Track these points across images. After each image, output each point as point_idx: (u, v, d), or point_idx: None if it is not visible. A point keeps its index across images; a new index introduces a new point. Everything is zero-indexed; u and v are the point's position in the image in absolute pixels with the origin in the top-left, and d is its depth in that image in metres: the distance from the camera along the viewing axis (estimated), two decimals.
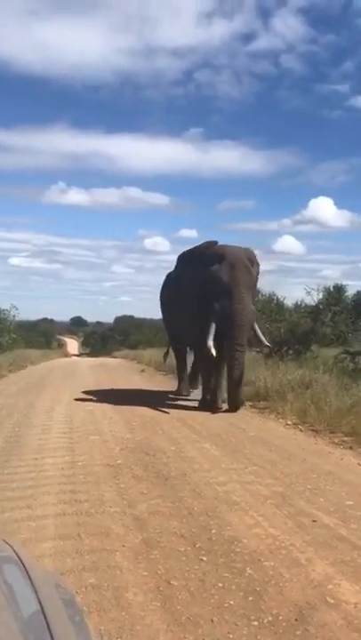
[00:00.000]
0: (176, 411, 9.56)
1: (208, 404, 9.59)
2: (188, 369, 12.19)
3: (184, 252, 10.86)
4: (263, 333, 10.44)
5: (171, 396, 11.49)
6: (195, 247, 10.30)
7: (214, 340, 9.18)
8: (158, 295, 12.68)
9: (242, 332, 9.04)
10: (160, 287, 12.58)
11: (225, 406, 9.40)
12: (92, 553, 3.53)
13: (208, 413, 9.46)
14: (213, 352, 8.92)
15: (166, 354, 13.98)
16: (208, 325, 9.05)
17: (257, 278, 9.95)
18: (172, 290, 11.15)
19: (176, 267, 11.33)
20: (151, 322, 51.23)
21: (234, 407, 9.24)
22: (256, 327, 9.78)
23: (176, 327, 11.45)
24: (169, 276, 11.99)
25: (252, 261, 9.73)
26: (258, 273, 9.98)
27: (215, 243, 9.86)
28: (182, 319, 10.40)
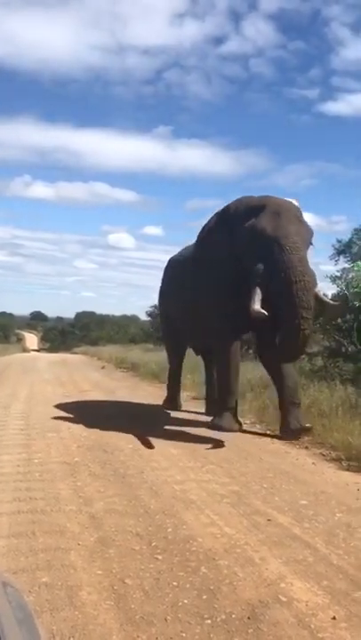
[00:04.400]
0: (136, 408, 9.55)
1: (230, 423, 7.15)
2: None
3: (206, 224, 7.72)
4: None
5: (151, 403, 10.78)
6: (221, 209, 7.47)
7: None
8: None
9: (306, 290, 6.17)
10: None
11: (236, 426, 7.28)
12: (47, 551, 3.49)
13: (167, 409, 9.47)
14: (263, 312, 6.24)
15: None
16: (251, 293, 6.37)
17: (312, 233, 6.89)
18: (180, 274, 8.43)
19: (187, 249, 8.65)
20: (113, 318, 51.06)
21: (295, 433, 6.91)
22: (320, 292, 6.72)
23: (183, 324, 8.66)
24: (177, 261, 8.99)
25: (301, 214, 6.94)
26: (311, 234, 6.89)
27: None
28: (194, 311, 7.75)
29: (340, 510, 4.44)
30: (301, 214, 6.88)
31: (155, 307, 30.92)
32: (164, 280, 9.55)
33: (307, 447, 6.65)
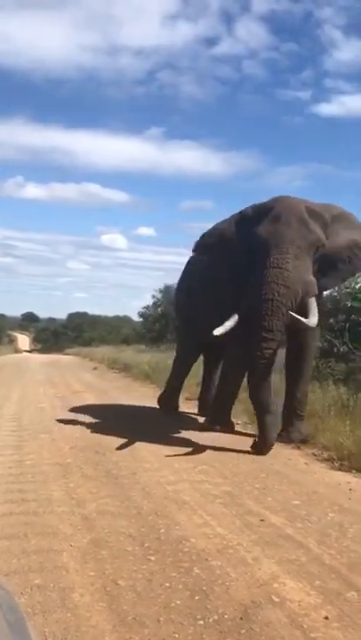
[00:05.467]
0: (128, 409, 9.54)
1: (225, 424, 7.41)
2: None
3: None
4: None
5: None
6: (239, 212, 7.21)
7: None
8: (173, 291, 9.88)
9: (272, 310, 6.07)
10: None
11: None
12: (39, 553, 3.48)
13: (158, 409, 9.47)
14: (216, 331, 6.28)
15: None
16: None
17: (320, 238, 6.44)
18: (208, 271, 7.78)
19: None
20: (105, 319, 51.00)
21: (294, 442, 6.83)
22: (310, 304, 6.30)
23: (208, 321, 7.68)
24: (199, 261, 8.30)
25: (317, 215, 6.51)
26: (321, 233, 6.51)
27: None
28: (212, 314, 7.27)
29: (332, 510, 4.46)
30: (320, 215, 6.54)
31: (147, 307, 30.97)
32: (187, 276, 8.99)
33: (299, 447, 6.67)
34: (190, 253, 8.91)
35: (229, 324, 6.33)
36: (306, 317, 6.21)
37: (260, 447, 6.31)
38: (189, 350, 9.05)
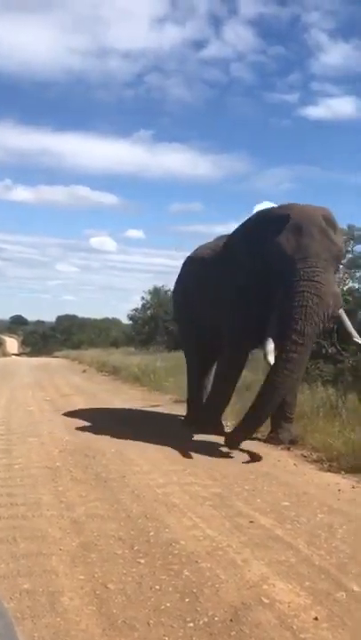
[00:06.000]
0: (118, 412, 9.52)
1: (216, 427, 7.40)
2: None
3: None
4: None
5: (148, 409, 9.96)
6: (247, 219, 7.24)
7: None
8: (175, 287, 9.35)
9: (305, 315, 5.95)
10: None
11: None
12: (28, 557, 3.46)
13: (150, 407, 9.46)
14: (270, 359, 6.05)
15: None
16: (270, 323, 6.25)
17: (341, 249, 6.88)
18: (210, 272, 7.73)
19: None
20: (94, 321, 50.87)
21: (283, 443, 6.85)
22: (343, 316, 6.64)
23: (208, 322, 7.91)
24: (207, 257, 8.06)
25: (332, 224, 6.54)
26: (342, 242, 7.00)
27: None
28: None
29: (321, 511, 4.47)
30: (333, 224, 6.53)
31: (136, 310, 30.95)
32: (188, 277, 8.62)
33: (288, 449, 6.69)
34: (181, 255, 8.97)
35: (271, 358, 6.08)
36: (348, 331, 6.60)
37: (234, 440, 6.48)
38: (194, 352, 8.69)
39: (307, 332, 5.99)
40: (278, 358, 6.00)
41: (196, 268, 8.27)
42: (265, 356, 6.16)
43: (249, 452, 6.44)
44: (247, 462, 6.04)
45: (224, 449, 6.55)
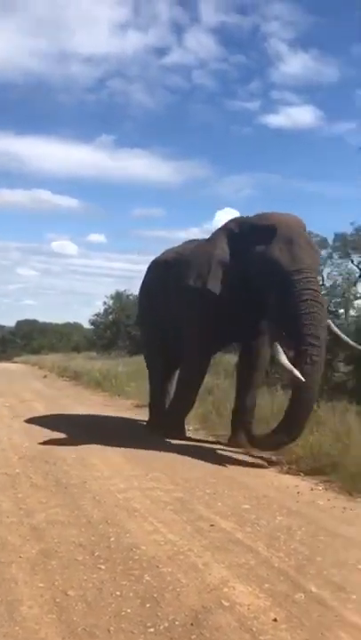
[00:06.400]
0: (79, 418, 9.44)
1: (180, 431, 7.62)
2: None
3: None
4: None
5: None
6: (226, 225, 7.28)
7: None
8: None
9: (314, 320, 6.07)
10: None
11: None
12: None
13: (112, 412, 9.42)
14: (283, 359, 6.05)
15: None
16: (273, 340, 6.37)
17: (319, 262, 7.21)
18: (172, 277, 7.76)
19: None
20: (55, 326, 50.30)
21: (241, 446, 6.99)
22: (333, 325, 6.86)
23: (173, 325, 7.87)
24: (172, 260, 8.10)
25: (308, 234, 6.98)
26: (319, 257, 7.32)
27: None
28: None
29: (280, 513, 4.53)
30: (308, 234, 6.78)
31: (98, 315, 30.79)
32: (152, 281, 8.60)
33: (248, 452, 6.75)
34: (143, 260, 8.97)
35: (283, 357, 6.06)
36: (337, 335, 6.77)
37: (268, 442, 6.37)
38: (157, 356, 8.66)
39: (320, 336, 6.09)
40: (302, 363, 5.95)
41: (162, 272, 8.26)
42: (276, 356, 6.14)
43: (210, 456, 6.48)
44: (209, 465, 6.08)
45: (185, 452, 6.58)
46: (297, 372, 5.87)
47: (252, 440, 6.63)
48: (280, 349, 6.09)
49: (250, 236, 6.71)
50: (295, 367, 5.89)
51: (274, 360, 6.51)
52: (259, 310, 6.71)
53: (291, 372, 5.94)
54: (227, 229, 7.15)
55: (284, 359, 6.04)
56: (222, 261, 6.88)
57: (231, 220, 7.26)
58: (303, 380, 5.81)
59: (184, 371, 7.67)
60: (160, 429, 7.69)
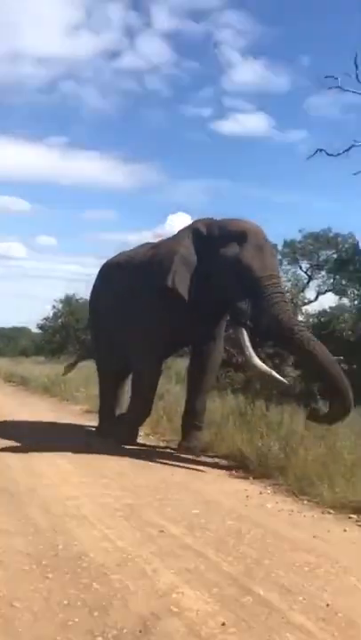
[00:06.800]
0: (27, 424, 9.28)
1: (132, 436, 7.62)
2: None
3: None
4: None
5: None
6: (190, 227, 7.23)
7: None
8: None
9: (291, 317, 6.62)
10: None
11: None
12: None
13: (60, 418, 9.29)
14: (257, 362, 6.40)
15: (71, 366, 10.62)
16: (238, 334, 6.53)
17: None
18: (127, 281, 7.66)
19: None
20: (2, 330, 49.30)
21: (190, 451, 7.00)
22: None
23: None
24: (126, 264, 8.01)
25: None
26: None
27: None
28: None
29: (230, 517, 4.56)
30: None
31: (47, 319, 30.35)
32: (104, 284, 8.47)
33: (198, 457, 6.78)
34: (95, 263, 8.85)
35: (249, 346, 6.37)
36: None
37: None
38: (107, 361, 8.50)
39: (298, 325, 6.53)
40: (301, 348, 6.23)
41: (114, 275, 8.14)
42: (250, 360, 6.40)
43: (161, 462, 6.48)
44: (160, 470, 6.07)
45: (136, 458, 6.55)
46: (277, 375, 6.34)
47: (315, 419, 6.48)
48: (254, 354, 6.32)
49: (219, 238, 6.76)
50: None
51: (249, 366, 6.74)
52: (217, 312, 6.78)
53: (271, 375, 6.33)
54: (193, 229, 7.10)
55: (260, 364, 6.35)
56: (186, 259, 6.84)
57: (198, 221, 7.23)
58: (286, 382, 6.42)
59: (139, 377, 7.52)
60: (112, 435, 7.61)
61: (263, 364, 6.47)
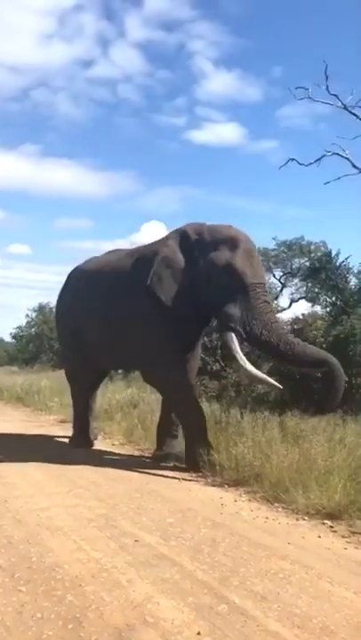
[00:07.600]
0: (1, 432, 9.16)
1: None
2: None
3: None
4: None
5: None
6: (178, 231, 7.12)
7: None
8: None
9: (279, 324, 6.80)
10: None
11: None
12: None
13: (34, 429, 9.19)
14: (249, 367, 6.45)
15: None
16: (228, 340, 6.45)
17: None
18: (104, 286, 7.53)
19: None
20: None
21: (166, 459, 7.06)
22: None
23: (100, 340, 7.62)
24: (97, 270, 7.96)
25: None
26: None
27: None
28: (121, 330, 7.20)
29: (205, 526, 4.55)
30: None
31: (20, 328, 30.04)
32: (76, 291, 8.22)
33: (173, 465, 6.76)
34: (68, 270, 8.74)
35: (240, 353, 6.41)
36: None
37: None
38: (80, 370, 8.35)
39: (288, 334, 6.70)
40: (295, 351, 6.24)
41: (88, 282, 7.92)
42: (242, 365, 6.43)
43: (135, 471, 6.44)
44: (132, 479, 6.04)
45: (110, 467, 6.50)
46: (270, 379, 6.49)
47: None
48: (245, 360, 6.39)
49: (209, 243, 6.73)
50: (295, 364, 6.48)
51: (242, 372, 6.99)
52: (202, 318, 6.86)
53: (264, 380, 6.53)
54: (182, 232, 7.05)
55: (253, 369, 6.45)
56: (172, 261, 6.80)
57: (188, 225, 7.16)
58: (280, 386, 6.51)
59: (171, 391, 7.14)
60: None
61: (256, 369, 6.51)
